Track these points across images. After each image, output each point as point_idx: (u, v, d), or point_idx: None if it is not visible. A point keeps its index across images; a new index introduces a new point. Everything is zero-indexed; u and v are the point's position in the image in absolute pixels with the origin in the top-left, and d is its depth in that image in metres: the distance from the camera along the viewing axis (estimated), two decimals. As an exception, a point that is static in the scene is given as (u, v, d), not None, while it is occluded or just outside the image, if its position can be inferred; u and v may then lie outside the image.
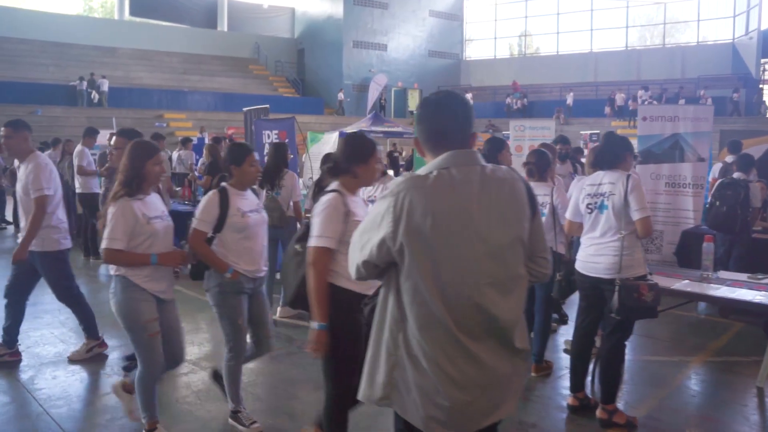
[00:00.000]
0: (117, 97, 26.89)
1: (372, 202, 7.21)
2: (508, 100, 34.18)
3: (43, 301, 6.50)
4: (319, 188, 3.35)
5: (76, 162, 9.20)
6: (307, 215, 4.18)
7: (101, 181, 9.61)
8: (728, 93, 28.85)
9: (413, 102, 38.46)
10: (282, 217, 6.44)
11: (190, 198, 9.40)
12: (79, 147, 9.33)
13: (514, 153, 13.42)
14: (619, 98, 30.11)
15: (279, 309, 6.64)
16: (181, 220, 8.80)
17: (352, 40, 35.64)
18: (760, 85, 31.87)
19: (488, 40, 41.72)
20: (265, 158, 8.64)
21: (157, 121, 25.85)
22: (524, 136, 12.92)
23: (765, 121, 27.19)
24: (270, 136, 8.47)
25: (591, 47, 38.26)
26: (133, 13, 35.22)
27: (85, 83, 26.08)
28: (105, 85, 26.60)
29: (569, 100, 31.96)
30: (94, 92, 26.11)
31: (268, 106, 9.50)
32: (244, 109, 9.75)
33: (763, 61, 32.32)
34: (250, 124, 9.43)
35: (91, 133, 9.49)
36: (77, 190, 9.38)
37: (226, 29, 37.57)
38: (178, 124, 26.53)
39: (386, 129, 24.83)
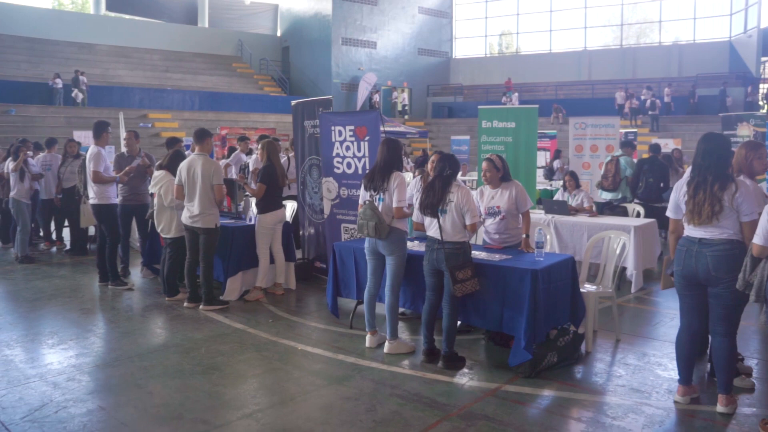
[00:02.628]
0: (97, 96, 24.89)
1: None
2: (504, 98, 32.92)
3: None
4: None
5: (90, 167, 7.50)
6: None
7: (118, 188, 7.98)
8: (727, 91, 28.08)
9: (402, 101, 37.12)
10: (379, 227, 5.05)
11: (230, 209, 7.79)
12: (92, 148, 7.62)
13: (574, 153, 12.10)
14: (619, 97, 29.06)
15: (387, 344, 5.30)
16: (228, 238, 7.28)
17: (341, 38, 34.11)
18: (761, 84, 31.20)
19: (478, 38, 40.46)
20: (335, 159, 7.15)
21: (141, 122, 23.96)
22: (585, 135, 11.59)
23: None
24: (342, 133, 6.89)
25: (585, 45, 37.28)
26: (109, 8, 33.12)
27: (60, 81, 24.00)
28: (84, 83, 24.58)
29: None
30: (76, 90, 24.01)
31: (331, 97, 7.95)
32: (293, 102, 8.18)
33: (763, 59, 31.71)
34: (302, 119, 7.85)
35: (103, 128, 7.72)
36: (91, 201, 7.69)
37: (207, 26, 35.70)
38: (163, 125, 24.69)
39: (389, 129, 23.45)
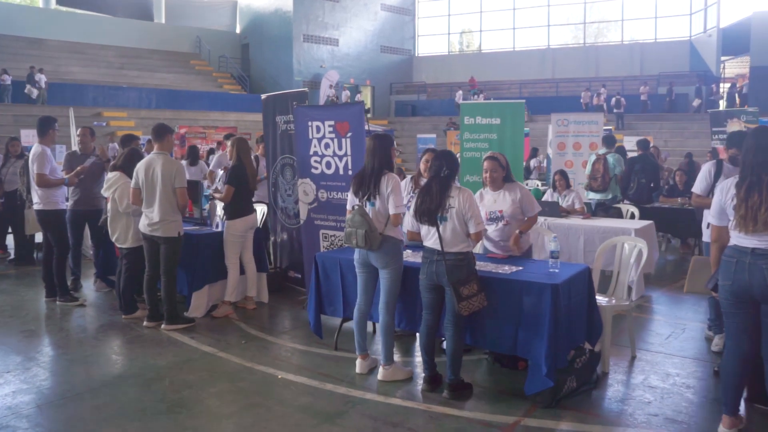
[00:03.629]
0: (48, 93, 23.56)
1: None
2: (473, 96, 32.53)
3: None
4: None
5: (34, 168, 6.63)
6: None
7: (68, 192, 7.14)
8: (688, 90, 28.20)
9: (366, 99, 36.53)
10: (369, 236, 4.39)
11: (191, 213, 7.01)
12: (36, 148, 6.74)
13: (557, 151, 11.60)
14: (585, 95, 28.88)
15: (382, 370, 4.65)
16: (193, 247, 6.47)
17: (302, 34, 33.35)
18: (721, 83, 31.46)
19: (441, 35, 40.09)
20: (313, 158, 6.42)
21: (95, 120, 22.77)
22: (568, 132, 11.09)
23: None
24: (321, 129, 6.19)
25: (548, 43, 37.20)
26: (60, 2, 31.65)
27: (8, 77, 22.67)
28: (42, 81, 23.30)
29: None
30: (29, 87, 22.64)
31: (306, 90, 7.24)
32: (263, 96, 7.46)
33: (723, 58, 31.98)
34: (273, 114, 7.13)
35: (48, 125, 6.82)
36: (36, 206, 6.83)
37: (164, 21, 34.50)
38: (119, 123, 23.56)
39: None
